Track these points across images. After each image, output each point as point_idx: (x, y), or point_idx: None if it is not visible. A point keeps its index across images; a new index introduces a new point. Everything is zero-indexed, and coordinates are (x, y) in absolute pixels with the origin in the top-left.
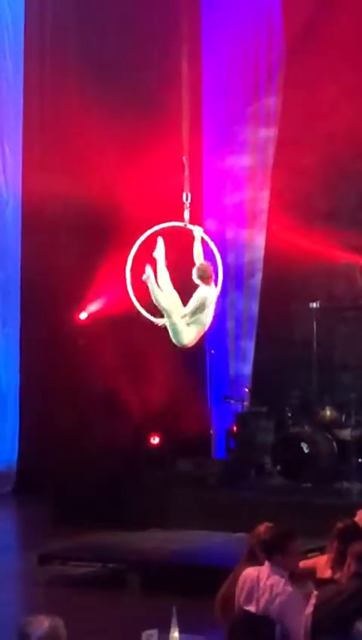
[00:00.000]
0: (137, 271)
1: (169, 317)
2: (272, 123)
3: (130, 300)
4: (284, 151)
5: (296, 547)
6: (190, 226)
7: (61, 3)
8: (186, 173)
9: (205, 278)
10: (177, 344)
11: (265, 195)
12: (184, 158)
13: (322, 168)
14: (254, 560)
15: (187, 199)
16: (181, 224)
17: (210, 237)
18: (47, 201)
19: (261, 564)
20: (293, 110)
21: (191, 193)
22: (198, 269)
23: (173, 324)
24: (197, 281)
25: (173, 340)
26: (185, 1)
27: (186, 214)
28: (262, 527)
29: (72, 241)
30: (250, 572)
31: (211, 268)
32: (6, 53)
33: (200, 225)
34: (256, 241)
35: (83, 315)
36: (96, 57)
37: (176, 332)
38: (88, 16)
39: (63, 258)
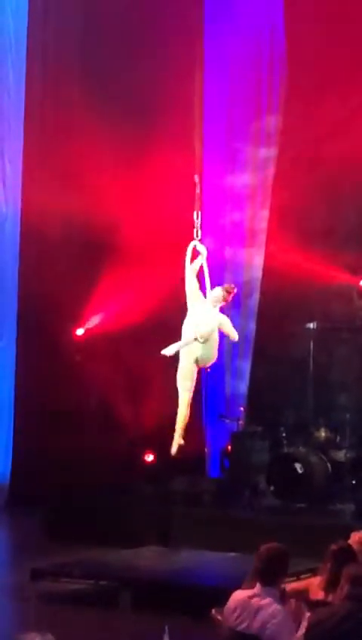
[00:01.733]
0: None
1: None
2: (273, 142)
3: (126, 315)
4: (284, 170)
5: (287, 569)
6: (199, 246)
7: (64, 17)
8: (198, 191)
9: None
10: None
11: (264, 215)
12: (196, 177)
13: (322, 188)
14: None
15: (198, 218)
16: (194, 243)
17: (208, 255)
18: (46, 216)
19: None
20: (294, 130)
21: (189, 211)
22: (226, 289)
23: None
24: (217, 301)
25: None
26: (187, 20)
27: (196, 233)
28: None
29: (71, 257)
30: (239, 595)
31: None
32: (8, 68)
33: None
34: (255, 261)
35: (80, 331)
36: (98, 74)
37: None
38: (91, 32)
39: (61, 273)
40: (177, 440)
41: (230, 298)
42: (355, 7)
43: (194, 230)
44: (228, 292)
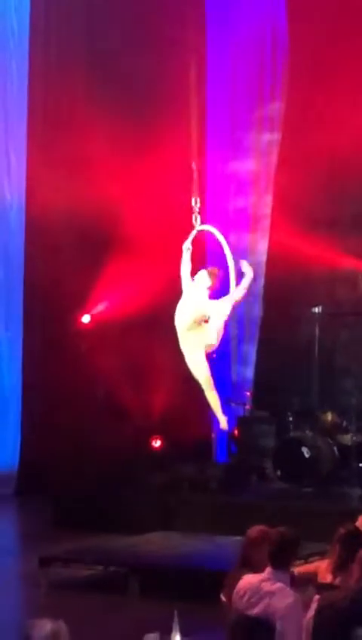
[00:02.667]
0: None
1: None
2: (276, 128)
3: (132, 301)
4: (288, 156)
5: (298, 553)
6: (201, 228)
7: (66, 10)
8: (195, 177)
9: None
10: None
11: (268, 200)
12: (193, 164)
13: (325, 174)
14: (249, 565)
15: (196, 204)
16: (193, 232)
17: (212, 242)
18: (50, 206)
19: (256, 568)
20: (297, 116)
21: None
22: (209, 272)
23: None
24: (204, 285)
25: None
26: (190, 7)
27: (195, 219)
28: (254, 531)
29: (76, 245)
30: (249, 579)
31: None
32: (11, 60)
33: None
34: (259, 246)
35: (86, 319)
36: (101, 65)
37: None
38: (94, 22)
39: (67, 262)
40: (221, 417)
41: (216, 280)
42: None
43: (193, 216)
44: (212, 274)
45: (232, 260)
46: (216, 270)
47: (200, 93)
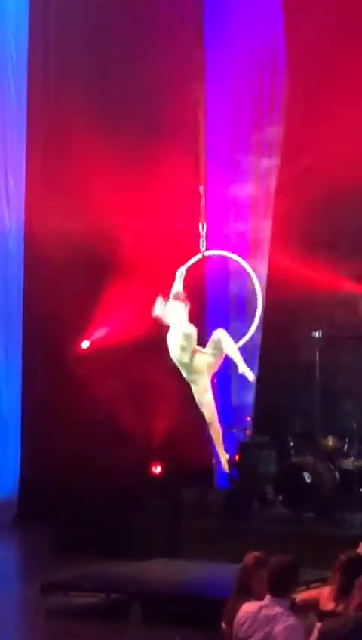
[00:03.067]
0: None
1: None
2: (275, 153)
3: (132, 327)
4: (287, 180)
5: (297, 580)
6: (208, 253)
7: (65, 32)
8: (203, 202)
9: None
10: None
11: (268, 225)
12: (201, 189)
13: (324, 198)
14: (246, 592)
15: (203, 229)
16: (198, 256)
17: (213, 266)
18: (49, 231)
19: (254, 595)
20: (296, 140)
21: (193, 222)
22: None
23: None
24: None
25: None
26: (189, 31)
27: (202, 244)
28: (251, 558)
29: (75, 270)
30: (249, 607)
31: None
32: (10, 83)
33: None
34: (259, 270)
35: (85, 344)
36: (100, 89)
37: None
38: (93, 46)
39: (66, 287)
40: (223, 455)
41: (187, 302)
42: (356, 18)
43: (200, 241)
44: (181, 298)
45: (256, 281)
46: (181, 294)
47: (200, 117)
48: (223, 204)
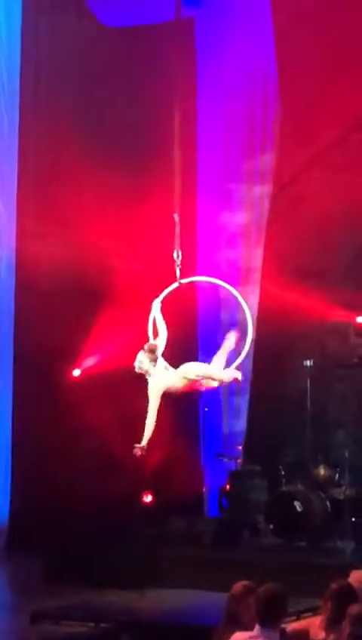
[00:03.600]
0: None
1: None
2: (267, 181)
3: (123, 355)
4: (278, 209)
5: (287, 610)
6: (184, 281)
7: (57, 69)
8: (177, 230)
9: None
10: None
11: (259, 253)
12: (175, 216)
13: (316, 226)
14: (234, 621)
15: (178, 257)
16: (175, 285)
17: (204, 294)
18: (41, 258)
19: (242, 624)
20: (288, 168)
21: (183, 250)
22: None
23: None
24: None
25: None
26: (181, 59)
27: (178, 272)
28: (239, 587)
29: (66, 298)
30: (239, 637)
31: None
32: (2, 112)
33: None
34: (250, 299)
35: (76, 372)
36: (91, 119)
37: None
38: (84, 76)
39: (57, 315)
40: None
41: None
42: (348, 47)
43: (177, 268)
44: (149, 351)
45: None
46: (153, 346)
47: (191, 145)
48: (214, 232)
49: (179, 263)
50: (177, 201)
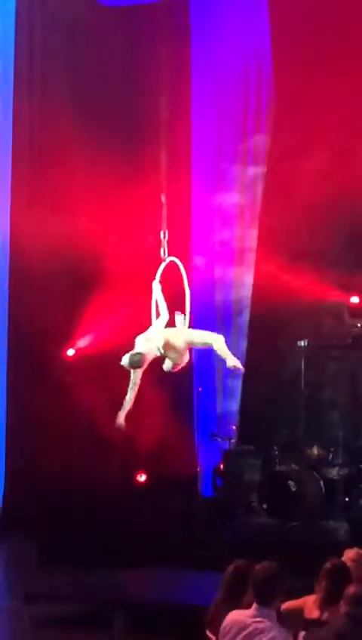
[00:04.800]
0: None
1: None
2: (261, 161)
3: (117, 335)
4: (273, 189)
5: (284, 588)
6: (171, 258)
7: (51, 48)
8: (164, 211)
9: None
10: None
11: (253, 233)
12: (162, 197)
13: (310, 206)
14: (230, 599)
15: (164, 237)
16: (163, 264)
17: (198, 274)
18: (35, 240)
19: (237, 602)
20: (282, 149)
21: (178, 231)
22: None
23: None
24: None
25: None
26: (174, 40)
27: (163, 253)
28: (234, 566)
29: (60, 279)
30: (236, 616)
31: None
32: None
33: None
34: (244, 279)
35: (70, 352)
36: (85, 104)
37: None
38: (77, 62)
39: (51, 295)
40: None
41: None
42: (343, 28)
43: (161, 250)
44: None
45: (188, 291)
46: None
47: (185, 126)
48: (209, 212)
49: (165, 243)
50: (164, 182)
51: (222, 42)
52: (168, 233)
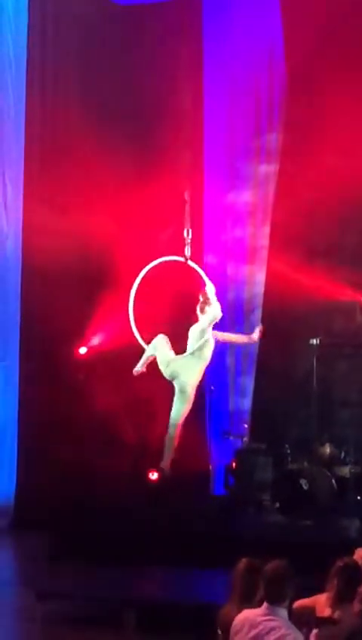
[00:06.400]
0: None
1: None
2: (273, 159)
3: (131, 334)
4: (285, 187)
5: (294, 587)
6: (191, 264)
7: (62, 40)
8: (187, 208)
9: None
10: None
11: (266, 231)
12: (186, 194)
13: (323, 204)
14: (240, 598)
15: (188, 235)
16: (181, 259)
17: (211, 272)
18: (47, 236)
19: (248, 601)
20: (294, 146)
21: (191, 229)
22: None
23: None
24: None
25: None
26: (187, 39)
27: (187, 250)
28: (245, 564)
29: (73, 276)
30: (247, 614)
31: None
32: (8, 89)
33: (200, 259)
34: (257, 277)
35: (82, 350)
36: (98, 96)
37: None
38: (90, 54)
39: (64, 292)
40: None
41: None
42: (357, 23)
43: (185, 248)
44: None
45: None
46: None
47: (198, 124)
48: (221, 210)
49: (188, 241)
50: (195, 181)
51: (234, 39)
52: (182, 231)
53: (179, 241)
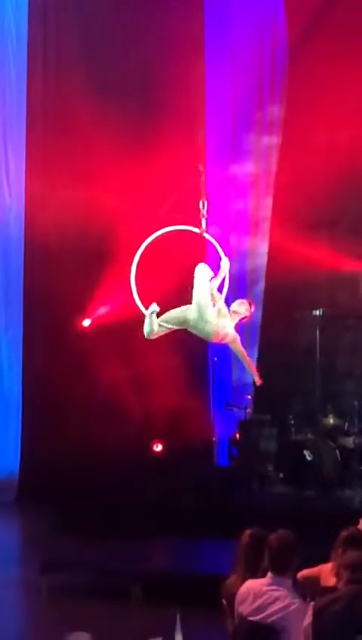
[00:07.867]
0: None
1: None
2: (276, 131)
3: (134, 305)
4: (287, 159)
5: (299, 557)
6: (206, 236)
7: (64, 11)
8: (203, 180)
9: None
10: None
11: (268, 203)
12: (201, 167)
13: (325, 176)
14: (244, 568)
15: (203, 207)
16: (197, 230)
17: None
18: (50, 211)
19: (252, 571)
20: (297, 118)
21: (192, 201)
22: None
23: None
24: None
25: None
26: (189, 12)
27: (203, 223)
28: (249, 534)
29: (76, 247)
30: (251, 584)
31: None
32: (10, 62)
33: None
34: (259, 249)
35: (86, 322)
36: (100, 67)
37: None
38: (92, 25)
39: (67, 264)
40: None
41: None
42: None
43: (202, 220)
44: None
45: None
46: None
47: (200, 97)
48: (224, 182)
49: (204, 213)
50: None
51: (236, 11)
52: (184, 203)
53: (181, 213)
